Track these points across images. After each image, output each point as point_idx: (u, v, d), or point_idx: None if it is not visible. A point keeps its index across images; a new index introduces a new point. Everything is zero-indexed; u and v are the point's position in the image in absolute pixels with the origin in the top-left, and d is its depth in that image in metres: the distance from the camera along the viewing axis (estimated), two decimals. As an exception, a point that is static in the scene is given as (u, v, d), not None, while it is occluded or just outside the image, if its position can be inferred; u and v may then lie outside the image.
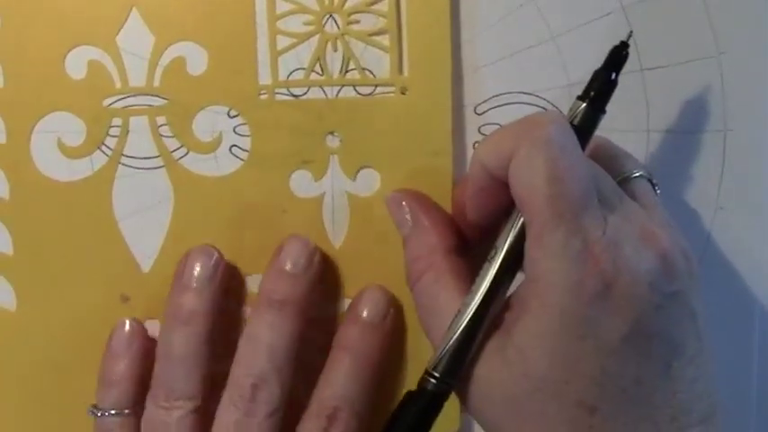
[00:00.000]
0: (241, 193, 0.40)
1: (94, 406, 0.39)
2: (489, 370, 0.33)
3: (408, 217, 0.38)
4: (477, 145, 0.35)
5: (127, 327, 0.40)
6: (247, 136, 0.40)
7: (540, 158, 0.31)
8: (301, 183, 0.40)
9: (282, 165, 0.40)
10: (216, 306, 0.39)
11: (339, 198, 0.41)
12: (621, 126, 0.40)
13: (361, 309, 0.40)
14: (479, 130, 0.41)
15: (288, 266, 0.38)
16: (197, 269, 0.39)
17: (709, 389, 0.32)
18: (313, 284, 0.39)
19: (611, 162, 0.37)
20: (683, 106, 0.41)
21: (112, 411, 0.39)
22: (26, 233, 0.41)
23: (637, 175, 0.36)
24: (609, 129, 0.40)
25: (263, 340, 0.38)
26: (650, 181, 0.37)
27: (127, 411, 0.39)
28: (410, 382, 0.41)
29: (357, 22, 0.40)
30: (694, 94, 0.41)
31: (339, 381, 0.38)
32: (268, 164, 0.40)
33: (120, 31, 0.40)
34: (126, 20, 0.40)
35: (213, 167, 0.40)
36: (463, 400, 0.34)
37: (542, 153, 0.31)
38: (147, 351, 0.40)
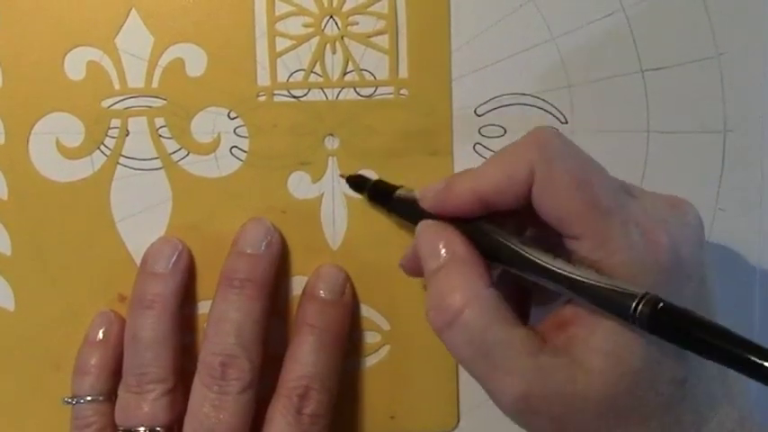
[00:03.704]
0: (239, 195, 0.40)
1: (70, 396, 0.40)
2: (575, 384, 0.31)
3: (442, 248, 0.35)
4: (456, 181, 0.34)
5: (104, 317, 0.41)
6: (247, 137, 0.40)
7: (565, 174, 0.31)
8: (300, 184, 0.41)
9: (281, 166, 0.40)
10: (180, 291, 0.40)
11: (337, 199, 0.41)
12: (621, 126, 0.40)
13: (318, 287, 0.40)
14: (480, 132, 0.41)
15: (247, 249, 0.39)
16: (159, 257, 0.40)
17: None
18: (273, 263, 0.40)
19: None
20: (683, 107, 0.41)
21: (88, 398, 0.39)
22: (24, 233, 0.41)
23: None
24: (609, 130, 0.40)
25: (227, 319, 0.38)
26: None
27: (101, 398, 0.39)
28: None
29: (356, 23, 0.40)
30: (694, 94, 0.41)
31: (306, 359, 0.39)
32: (266, 165, 0.40)
33: (119, 32, 0.40)
34: (125, 21, 0.40)
35: (213, 168, 0.40)
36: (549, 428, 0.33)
37: (562, 167, 0.31)
38: (122, 341, 0.40)
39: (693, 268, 0.32)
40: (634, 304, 0.29)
